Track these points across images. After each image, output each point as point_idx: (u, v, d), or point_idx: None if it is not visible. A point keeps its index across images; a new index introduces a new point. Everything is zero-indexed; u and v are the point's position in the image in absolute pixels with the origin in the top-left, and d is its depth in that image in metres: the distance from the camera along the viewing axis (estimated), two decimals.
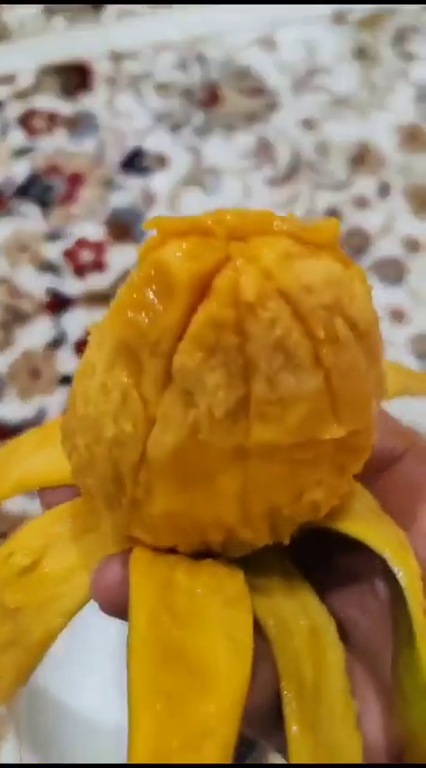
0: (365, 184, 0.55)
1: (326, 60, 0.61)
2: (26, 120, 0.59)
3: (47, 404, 0.47)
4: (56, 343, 0.49)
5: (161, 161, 0.57)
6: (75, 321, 0.50)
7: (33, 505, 0.42)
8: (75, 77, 0.61)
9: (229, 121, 0.58)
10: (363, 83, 0.60)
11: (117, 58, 0.62)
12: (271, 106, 0.59)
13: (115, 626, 0.19)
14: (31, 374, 0.48)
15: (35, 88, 0.60)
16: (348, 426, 0.16)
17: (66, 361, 0.48)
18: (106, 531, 0.19)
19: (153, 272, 0.15)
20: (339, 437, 0.16)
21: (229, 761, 0.15)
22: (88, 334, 0.18)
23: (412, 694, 0.17)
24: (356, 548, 0.18)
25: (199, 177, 0.56)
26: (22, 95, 0.60)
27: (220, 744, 0.15)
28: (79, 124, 0.58)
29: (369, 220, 0.53)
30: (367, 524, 0.19)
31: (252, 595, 0.18)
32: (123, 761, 0.15)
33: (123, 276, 0.52)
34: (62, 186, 0.55)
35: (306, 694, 0.18)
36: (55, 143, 0.57)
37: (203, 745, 0.15)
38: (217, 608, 0.17)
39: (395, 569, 0.17)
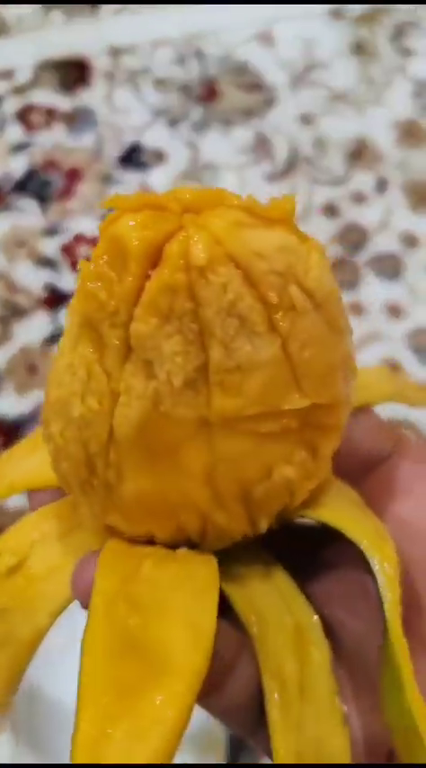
0: (362, 180, 0.55)
1: (324, 56, 0.61)
2: (24, 115, 0.59)
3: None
4: (53, 338, 0.49)
5: (159, 156, 0.57)
6: None
7: None
8: (73, 72, 0.61)
9: (227, 117, 0.58)
10: (361, 78, 0.60)
11: (115, 53, 0.62)
12: (269, 101, 0.59)
13: None
14: (29, 369, 0.48)
15: (33, 83, 0.60)
16: (311, 397, 0.16)
17: None
18: (85, 521, 0.19)
19: (108, 245, 0.16)
20: (302, 407, 0.16)
21: (177, 748, 0.15)
22: None
23: (387, 687, 0.17)
24: (346, 549, 0.18)
25: (197, 172, 0.56)
26: (20, 90, 0.60)
27: (169, 731, 0.15)
28: (77, 119, 0.58)
29: (367, 216, 0.53)
30: (345, 514, 0.19)
31: (235, 591, 0.18)
32: None
33: None
34: (60, 181, 0.55)
35: (291, 692, 0.18)
36: (53, 138, 0.57)
37: (150, 734, 0.15)
38: (182, 597, 0.17)
39: (372, 560, 0.17)
